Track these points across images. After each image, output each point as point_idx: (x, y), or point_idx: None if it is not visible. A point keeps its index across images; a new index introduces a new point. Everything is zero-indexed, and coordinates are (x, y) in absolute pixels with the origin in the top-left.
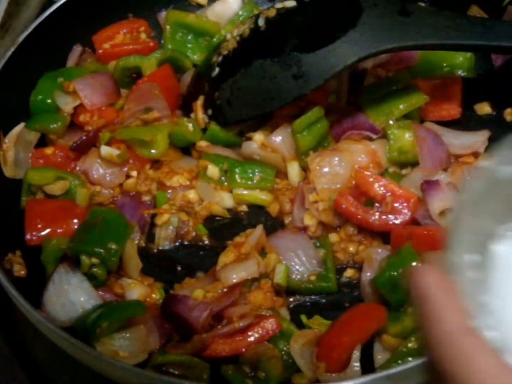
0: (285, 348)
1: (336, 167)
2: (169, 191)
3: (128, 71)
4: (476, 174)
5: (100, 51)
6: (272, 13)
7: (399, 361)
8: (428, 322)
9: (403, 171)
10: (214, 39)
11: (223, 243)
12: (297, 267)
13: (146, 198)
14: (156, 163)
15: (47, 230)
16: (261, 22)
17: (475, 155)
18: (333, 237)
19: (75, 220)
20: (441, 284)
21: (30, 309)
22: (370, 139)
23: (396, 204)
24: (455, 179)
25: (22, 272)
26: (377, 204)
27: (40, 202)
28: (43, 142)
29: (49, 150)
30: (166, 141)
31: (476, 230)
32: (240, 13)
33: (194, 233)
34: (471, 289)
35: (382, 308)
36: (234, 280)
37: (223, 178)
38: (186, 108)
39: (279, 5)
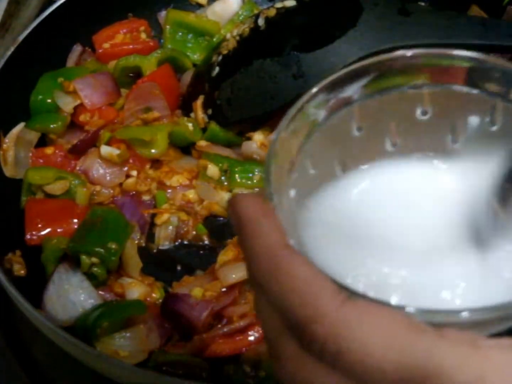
0: None
1: None
2: (169, 190)
3: (128, 70)
4: (288, 114)
5: (100, 50)
6: (272, 12)
7: None
8: (247, 241)
9: None
10: (214, 39)
11: (223, 243)
12: None
13: (146, 197)
14: (156, 163)
15: (47, 230)
16: (261, 21)
17: None
18: None
19: (75, 220)
20: (259, 207)
21: (30, 309)
22: None
23: None
24: None
25: (22, 272)
26: None
27: (40, 202)
28: (43, 142)
29: (49, 150)
30: (166, 141)
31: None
32: (240, 12)
33: (194, 233)
34: (288, 215)
35: None
36: (233, 280)
37: (223, 178)
38: (186, 108)
39: (279, 5)
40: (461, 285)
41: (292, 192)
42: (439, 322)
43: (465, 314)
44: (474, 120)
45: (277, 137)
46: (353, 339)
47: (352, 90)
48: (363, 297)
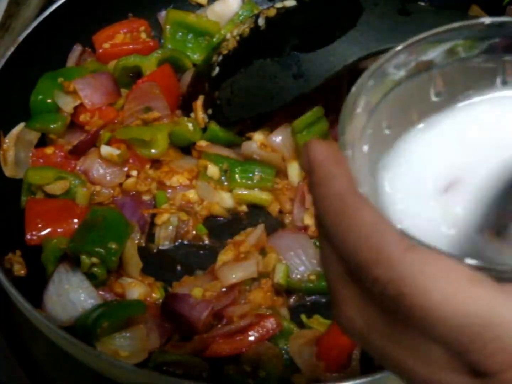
0: (285, 347)
1: None
2: (169, 190)
3: (128, 70)
4: (369, 70)
5: (100, 50)
6: (272, 12)
7: None
8: (316, 185)
9: None
10: (214, 39)
11: (223, 243)
12: (297, 266)
13: (146, 197)
14: (156, 163)
15: (47, 230)
16: (261, 21)
17: None
18: None
19: (75, 220)
20: (332, 154)
21: (30, 309)
22: None
23: None
24: None
25: (22, 272)
26: None
27: (40, 202)
28: (43, 142)
29: (49, 150)
30: (166, 141)
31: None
32: (240, 12)
33: (194, 233)
34: (359, 168)
35: None
36: (233, 280)
37: (223, 178)
38: (186, 108)
39: (279, 5)
40: None
41: (365, 147)
42: (503, 278)
43: None
44: None
45: (355, 91)
46: (415, 284)
47: (435, 54)
48: (427, 246)
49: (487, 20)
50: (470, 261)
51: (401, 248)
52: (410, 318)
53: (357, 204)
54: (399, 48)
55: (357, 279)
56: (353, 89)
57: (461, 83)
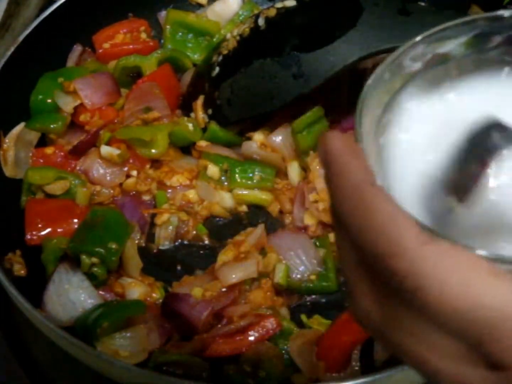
0: (285, 347)
1: None
2: (169, 190)
3: (128, 70)
4: (385, 62)
5: (100, 50)
6: (272, 12)
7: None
8: (334, 176)
9: None
10: (214, 39)
11: (223, 243)
12: (297, 266)
13: (146, 197)
14: (156, 163)
15: (47, 230)
16: (261, 21)
17: None
18: (333, 236)
19: (75, 220)
20: (348, 146)
21: (30, 309)
22: None
23: None
24: None
25: (22, 272)
26: None
27: (40, 202)
28: (43, 142)
29: (49, 150)
30: (166, 141)
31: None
32: (240, 12)
33: (194, 233)
34: (376, 160)
35: None
36: (233, 280)
37: (223, 178)
38: (186, 108)
39: (279, 5)
40: None
41: (382, 139)
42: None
43: None
44: None
45: (371, 83)
46: (433, 277)
47: (452, 47)
48: (445, 239)
49: (506, 12)
50: (480, 252)
51: (419, 241)
52: (427, 310)
53: (375, 195)
54: (416, 39)
55: (374, 272)
56: (369, 81)
57: (476, 76)
